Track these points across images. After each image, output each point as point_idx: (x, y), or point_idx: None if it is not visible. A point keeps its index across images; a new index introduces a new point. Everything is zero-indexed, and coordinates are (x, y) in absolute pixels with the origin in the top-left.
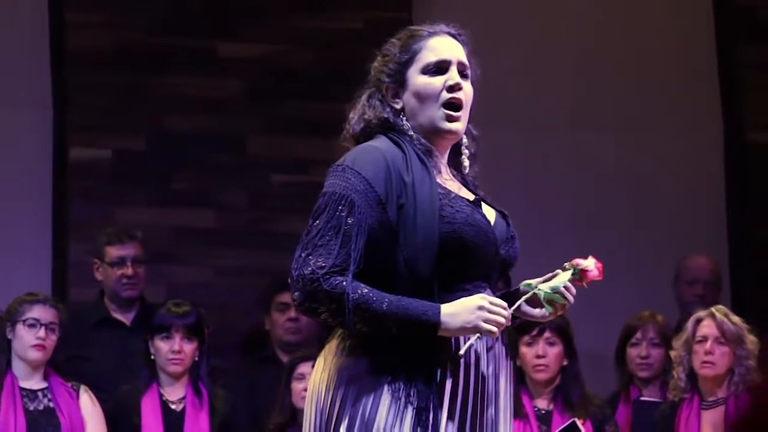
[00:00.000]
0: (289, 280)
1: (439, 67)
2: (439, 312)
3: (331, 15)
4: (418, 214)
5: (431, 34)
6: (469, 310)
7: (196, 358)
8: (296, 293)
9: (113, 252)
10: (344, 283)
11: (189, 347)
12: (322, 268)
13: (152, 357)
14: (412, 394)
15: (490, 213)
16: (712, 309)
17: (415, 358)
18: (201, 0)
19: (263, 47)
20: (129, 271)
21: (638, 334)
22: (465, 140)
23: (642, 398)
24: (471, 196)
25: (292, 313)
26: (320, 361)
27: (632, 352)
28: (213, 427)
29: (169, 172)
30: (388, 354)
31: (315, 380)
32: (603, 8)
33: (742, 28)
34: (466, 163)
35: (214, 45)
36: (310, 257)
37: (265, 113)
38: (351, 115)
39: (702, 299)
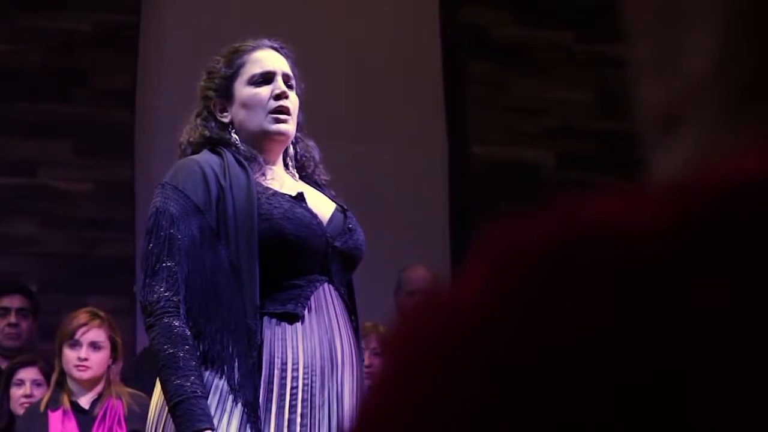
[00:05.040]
0: (139, 305)
1: (265, 78)
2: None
3: (59, 16)
4: (237, 214)
5: (254, 48)
6: None
7: None
8: (148, 318)
9: None
10: (177, 330)
11: None
12: (163, 298)
13: None
14: (239, 392)
15: (326, 207)
16: None
17: (243, 357)
18: None
19: None
20: None
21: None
22: (291, 150)
23: None
24: (294, 192)
25: (12, 318)
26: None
27: None
28: None
29: None
30: (216, 357)
31: (154, 398)
32: (336, 22)
33: (468, 44)
34: (294, 171)
35: None
36: (153, 284)
37: None
38: (181, 139)
39: None
